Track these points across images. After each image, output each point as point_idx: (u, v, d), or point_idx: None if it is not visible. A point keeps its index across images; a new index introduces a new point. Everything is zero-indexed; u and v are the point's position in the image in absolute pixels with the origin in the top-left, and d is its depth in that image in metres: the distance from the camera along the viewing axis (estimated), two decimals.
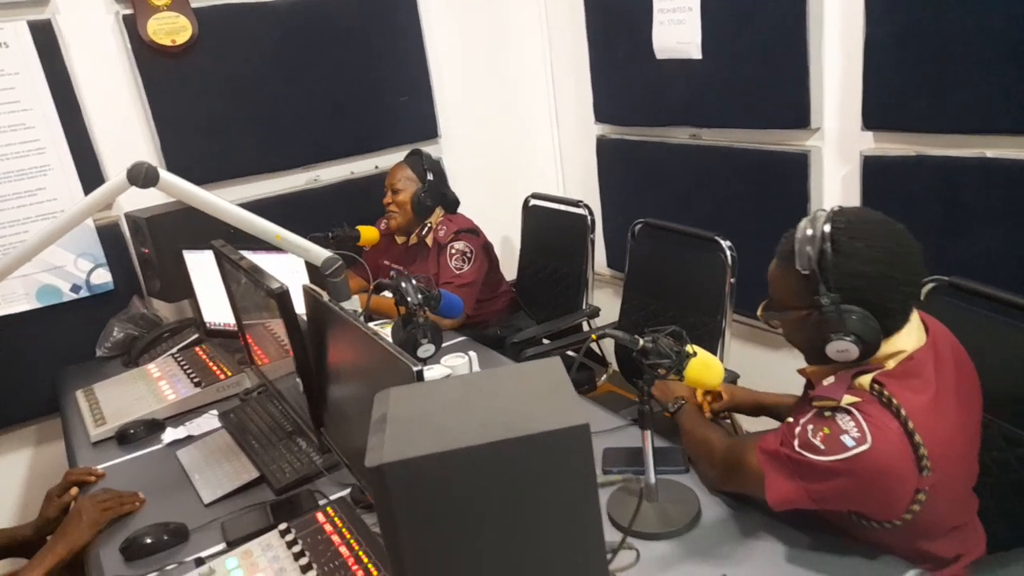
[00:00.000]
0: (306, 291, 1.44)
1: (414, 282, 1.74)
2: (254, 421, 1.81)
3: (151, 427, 1.89)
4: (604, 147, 3.05)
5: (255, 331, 1.79)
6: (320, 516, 1.37)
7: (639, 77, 2.72)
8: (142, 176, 1.51)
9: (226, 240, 1.83)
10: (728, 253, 2.05)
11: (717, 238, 2.08)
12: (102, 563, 1.40)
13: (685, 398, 1.53)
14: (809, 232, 1.13)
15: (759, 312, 1.26)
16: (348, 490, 1.50)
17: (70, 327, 2.42)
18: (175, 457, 1.75)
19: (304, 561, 1.25)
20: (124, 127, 2.46)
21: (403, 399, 0.81)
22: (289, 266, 2.07)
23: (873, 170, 2.09)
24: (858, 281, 1.11)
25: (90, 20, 2.36)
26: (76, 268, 2.40)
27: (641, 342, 1.21)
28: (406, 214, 2.50)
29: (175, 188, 1.57)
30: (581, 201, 2.64)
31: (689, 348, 1.22)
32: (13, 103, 2.24)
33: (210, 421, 1.90)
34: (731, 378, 2.09)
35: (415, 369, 0.98)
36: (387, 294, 1.88)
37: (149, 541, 1.41)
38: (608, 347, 2.79)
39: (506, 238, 3.15)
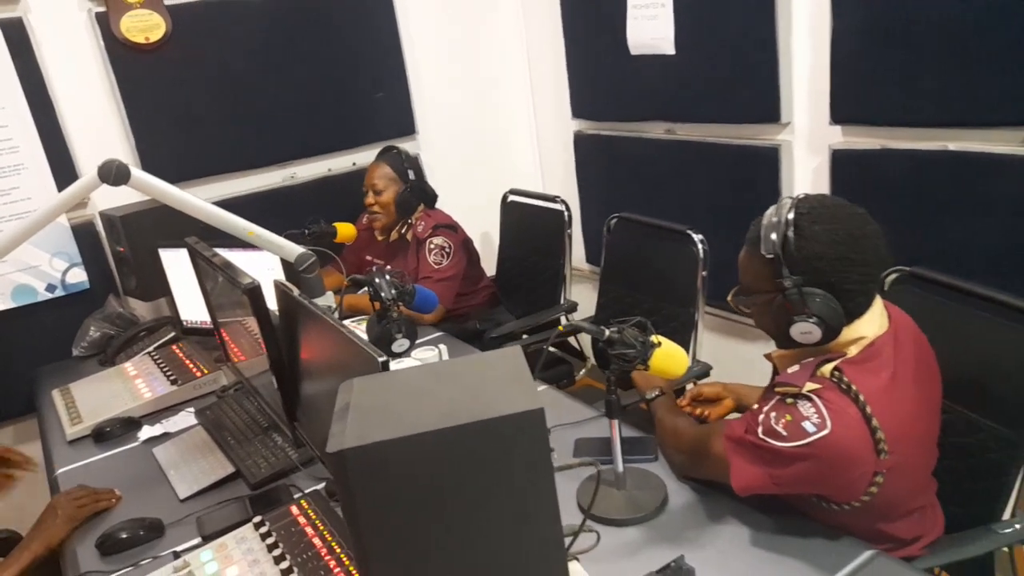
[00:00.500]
0: (277, 286, 1.45)
1: (388, 277, 1.76)
2: (230, 417, 1.81)
3: (127, 425, 1.89)
4: (581, 142, 3.07)
5: (231, 328, 1.79)
6: (294, 509, 1.38)
7: (615, 73, 2.74)
8: (112, 173, 1.51)
9: (201, 238, 1.83)
10: (700, 246, 2.08)
11: (689, 231, 2.10)
12: (78, 559, 1.41)
13: (664, 389, 1.55)
14: (775, 219, 1.17)
15: (729, 297, 1.30)
16: (323, 484, 1.52)
17: (46, 327, 2.41)
18: (151, 454, 1.75)
19: (277, 552, 1.27)
20: (98, 125, 2.45)
21: (366, 388, 0.83)
22: (265, 264, 2.08)
23: (842, 163, 2.13)
24: (818, 263, 1.14)
25: (62, 18, 2.34)
26: (51, 267, 2.39)
27: (607, 333, 1.24)
28: (390, 215, 2.51)
29: (146, 185, 1.58)
30: (558, 197, 2.66)
31: (654, 338, 1.24)
32: None
33: (186, 418, 1.91)
34: (703, 370, 2.12)
35: (380, 360, 1.00)
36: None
37: (125, 536, 1.41)
38: (586, 342, 2.81)
39: (485, 234, 3.17)
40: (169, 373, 2.08)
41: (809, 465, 1.12)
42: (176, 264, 2.25)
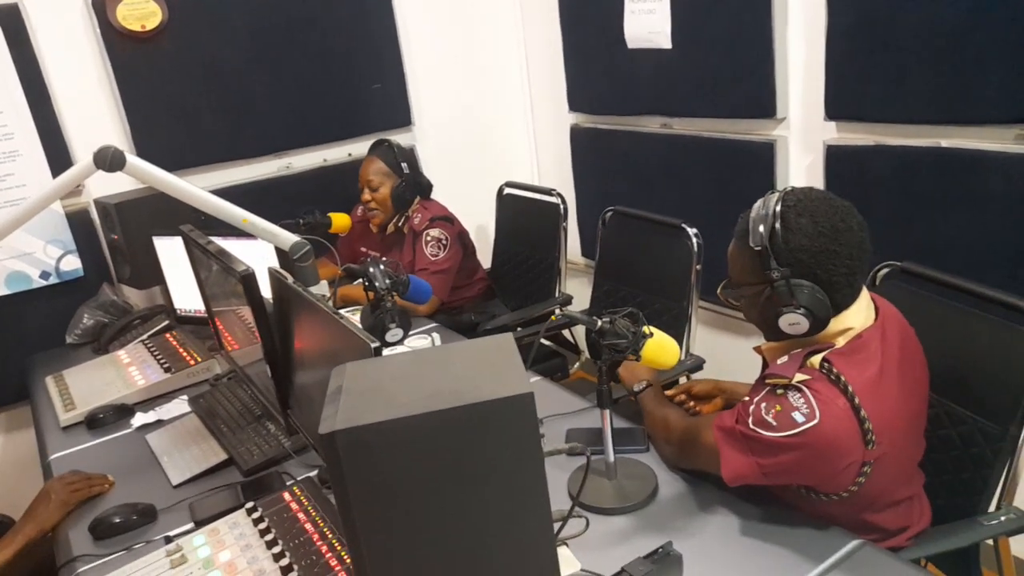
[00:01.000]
0: (271, 273, 1.45)
1: (382, 267, 1.76)
2: (223, 405, 1.82)
3: (121, 412, 1.90)
4: (578, 136, 3.07)
5: (225, 317, 1.79)
6: (287, 495, 1.39)
7: (612, 66, 2.74)
8: (108, 160, 1.51)
9: (195, 226, 1.83)
10: (694, 240, 2.09)
11: (684, 225, 2.11)
12: (71, 542, 1.41)
13: (650, 381, 1.56)
14: (762, 212, 1.18)
15: (719, 291, 1.31)
16: (315, 471, 1.52)
17: (40, 314, 2.41)
18: (144, 441, 1.76)
19: (270, 537, 1.28)
20: (94, 113, 2.45)
21: (358, 373, 0.84)
22: (259, 252, 2.08)
23: (835, 159, 2.14)
24: (803, 255, 1.15)
25: (58, 5, 2.34)
26: (45, 255, 2.39)
27: (599, 323, 1.24)
28: (387, 210, 2.50)
29: (142, 172, 1.58)
30: (554, 190, 2.67)
31: (646, 329, 1.25)
32: None
33: (180, 406, 1.91)
34: (697, 363, 2.13)
35: (373, 346, 1.00)
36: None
37: (118, 521, 1.42)
38: (580, 335, 2.82)
39: (481, 227, 3.17)
40: (163, 361, 2.09)
41: (798, 455, 1.13)
42: (170, 252, 2.25)
